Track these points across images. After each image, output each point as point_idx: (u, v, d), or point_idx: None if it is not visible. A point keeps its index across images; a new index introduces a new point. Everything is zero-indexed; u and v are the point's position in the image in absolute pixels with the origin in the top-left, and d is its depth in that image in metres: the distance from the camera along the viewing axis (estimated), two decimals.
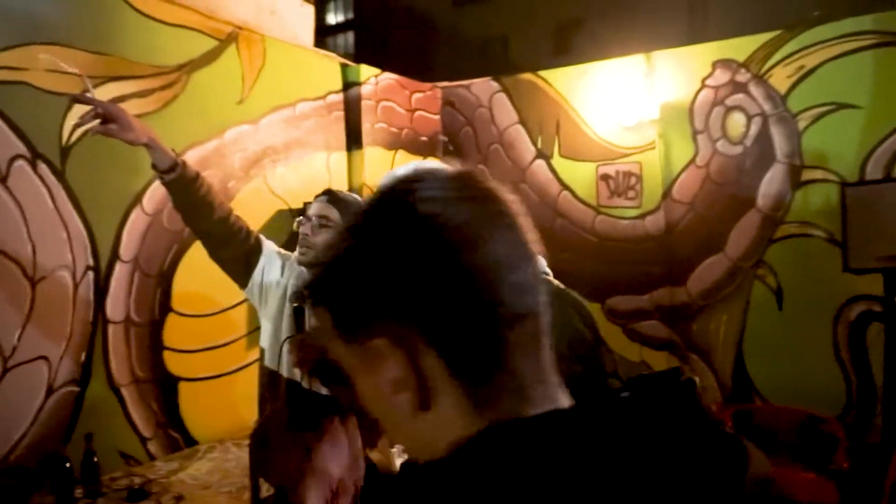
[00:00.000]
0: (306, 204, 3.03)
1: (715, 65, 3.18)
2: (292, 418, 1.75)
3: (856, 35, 2.89)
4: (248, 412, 2.87)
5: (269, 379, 1.79)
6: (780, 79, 3.02)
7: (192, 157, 2.64)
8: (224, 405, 2.73)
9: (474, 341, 0.47)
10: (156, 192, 2.50)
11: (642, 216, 3.38)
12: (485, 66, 4.11)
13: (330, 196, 1.80)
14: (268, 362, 1.82)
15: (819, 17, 2.98)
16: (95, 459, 2.13)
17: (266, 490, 2.03)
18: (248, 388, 2.84)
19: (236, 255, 1.85)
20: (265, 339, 1.85)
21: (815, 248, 2.97)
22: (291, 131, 3.11)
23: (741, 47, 3.12)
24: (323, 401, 1.73)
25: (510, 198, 0.52)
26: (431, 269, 0.47)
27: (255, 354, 2.88)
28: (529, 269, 0.51)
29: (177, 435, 2.57)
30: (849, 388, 2.92)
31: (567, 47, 12.96)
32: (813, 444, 2.70)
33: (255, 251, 1.85)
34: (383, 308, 0.48)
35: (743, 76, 3.11)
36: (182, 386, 2.59)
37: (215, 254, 1.85)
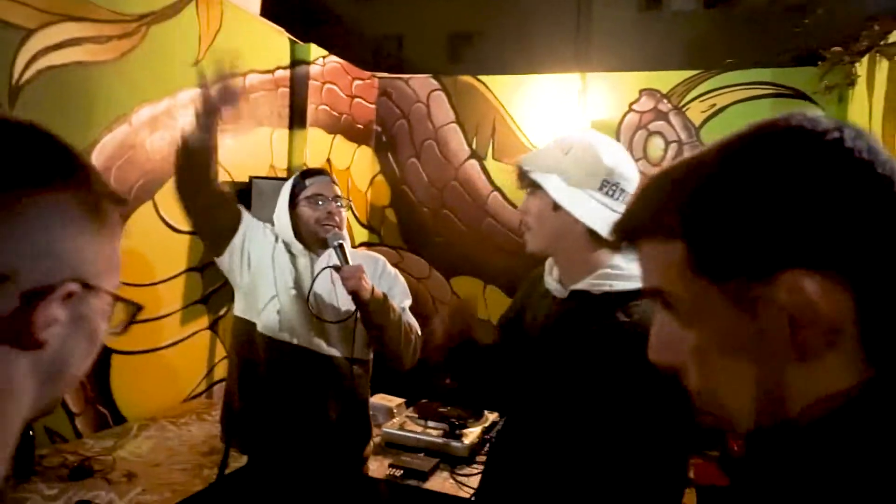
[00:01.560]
0: (252, 178, 2.95)
1: (642, 92, 3.54)
2: (300, 384, 1.75)
3: (757, 84, 3.38)
4: (181, 389, 2.73)
5: (269, 346, 1.77)
6: (696, 113, 3.44)
7: (143, 116, 2.47)
8: (156, 381, 2.57)
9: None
10: (106, 148, 2.31)
11: None
12: (378, 63, 4.19)
13: (329, 175, 1.94)
14: (265, 329, 1.79)
15: (730, 64, 3.42)
16: (32, 433, 1.94)
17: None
18: (182, 364, 2.71)
19: (224, 223, 1.85)
20: (260, 306, 1.81)
21: None
22: (240, 102, 2.98)
23: (665, 80, 3.50)
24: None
25: None
26: (860, 203, 0.46)
27: (190, 329, 2.75)
28: None
29: (105, 411, 2.38)
30: None
31: (460, 56, 13.36)
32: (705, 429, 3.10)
33: (237, 219, 1.87)
34: (796, 245, 0.46)
35: (665, 106, 3.49)
36: (115, 359, 2.40)
37: (203, 223, 1.83)
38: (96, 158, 2.27)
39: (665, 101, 3.50)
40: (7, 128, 0.51)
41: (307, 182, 1.88)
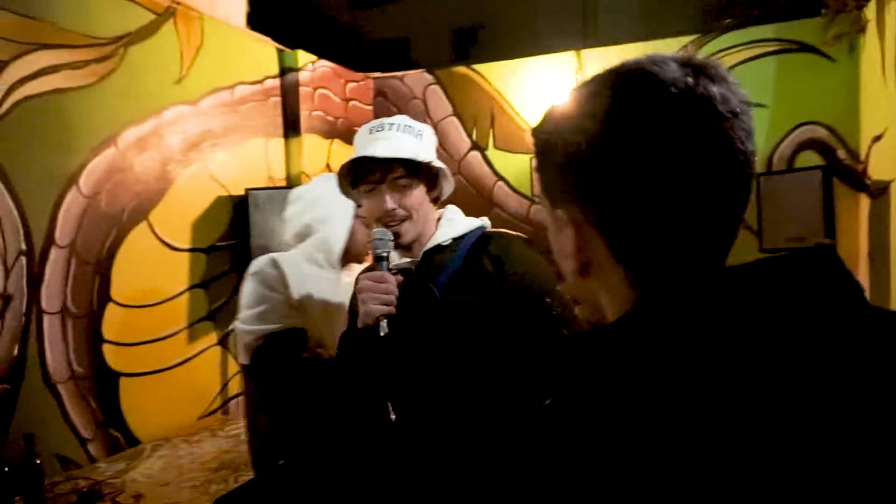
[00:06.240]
0: (248, 190, 2.93)
1: None
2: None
3: (760, 42, 3.22)
4: (192, 408, 2.72)
5: None
6: None
7: (128, 138, 2.47)
8: (167, 401, 2.57)
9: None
10: (93, 173, 2.32)
11: None
12: (387, 68, 4.11)
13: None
14: None
15: (730, 25, 3.28)
16: (38, 462, 1.94)
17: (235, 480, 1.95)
18: (191, 382, 2.70)
19: None
20: None
21: None
22: (230, 115, 2.97)
23: (664, 48, 3.36)
24: None
25: None
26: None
27: (198, 347, 2.74)
28: None
29: (118, 434, 2.38)
30: None
31: (466, 51, 13.28)
32: None
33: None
34: (569, 189, 0.55)
35: None
36: (123, 381, 2.41)
37: None
38: (84, 185, 2.28)
39: None
40: None
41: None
